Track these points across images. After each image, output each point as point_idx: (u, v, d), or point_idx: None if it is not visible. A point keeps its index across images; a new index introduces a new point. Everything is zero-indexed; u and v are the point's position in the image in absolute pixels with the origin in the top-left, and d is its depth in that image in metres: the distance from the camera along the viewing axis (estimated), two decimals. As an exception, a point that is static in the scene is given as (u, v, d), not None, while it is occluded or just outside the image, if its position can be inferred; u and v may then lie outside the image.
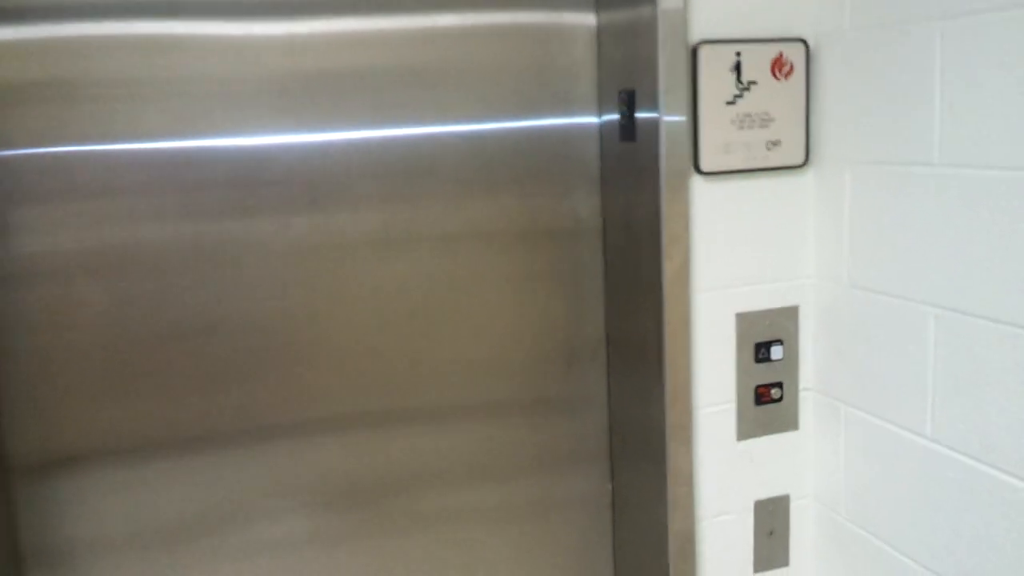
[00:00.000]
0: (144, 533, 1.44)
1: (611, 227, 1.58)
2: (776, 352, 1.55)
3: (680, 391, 1.48)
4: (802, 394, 1.59)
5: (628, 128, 1.48)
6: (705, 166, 1.42)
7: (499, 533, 1.64)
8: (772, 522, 1.60)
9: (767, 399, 1.55)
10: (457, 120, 1.50)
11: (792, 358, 1.56)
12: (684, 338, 1.46)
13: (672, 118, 1.39)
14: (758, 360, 1.54)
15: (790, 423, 1.59)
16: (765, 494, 1.59)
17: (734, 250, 1.49)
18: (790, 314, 1.55)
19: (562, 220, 1.58)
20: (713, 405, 1.53)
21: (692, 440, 1.51)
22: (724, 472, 1.55)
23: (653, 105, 1.40)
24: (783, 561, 1.62)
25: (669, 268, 1.44)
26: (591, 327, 1.62)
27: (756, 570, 1.60)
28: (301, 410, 1.49)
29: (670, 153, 1.39)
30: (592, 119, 1.57)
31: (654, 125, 1.40)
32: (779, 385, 1.56)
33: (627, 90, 1.46)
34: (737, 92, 1.42)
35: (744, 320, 1.52)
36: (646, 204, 1.46)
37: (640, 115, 1.44)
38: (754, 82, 1.42)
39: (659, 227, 1.42)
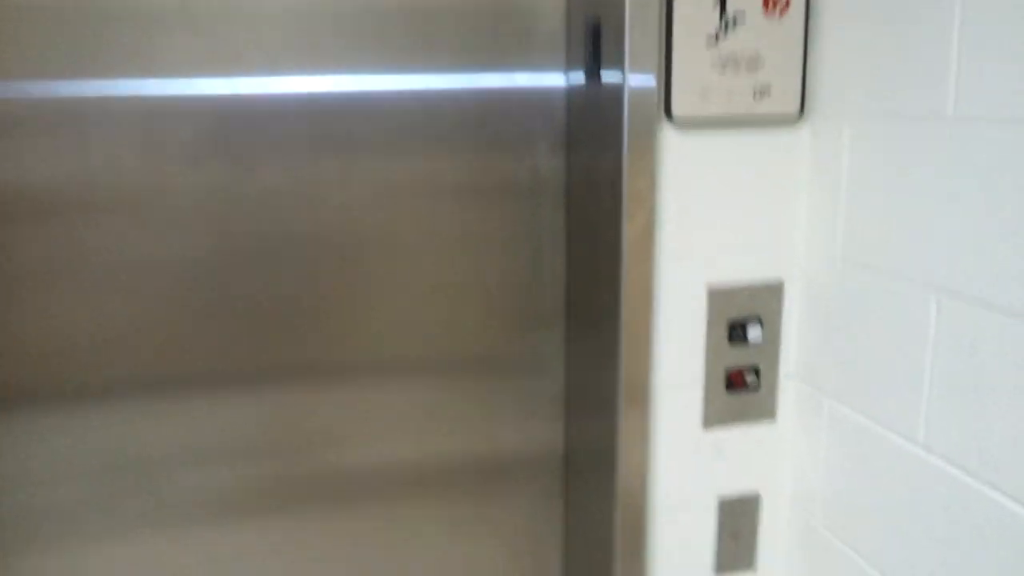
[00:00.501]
0: (42, 489, 1.28)
1: (575, 182, 1.37)
2: (754, 333, 1.34)
3: (637, 368, 1.28)
4: (782, 382, 1.39)
5: (592, 70, 1.26)
6: (678, 111, 1.21)
7: (439, 504, 1.47)
8: (738, 523, 1.42)
9: (740, 385, 1.36)
10: (405, 66, 1.30)
11: (772, 341, 1.36)
12: (644, 311, 1.26)
13: (639, 56, 1.17)
14: (732, 341, 1.34)
15: (766, 413, 1.39)
16: (732, 491, 1.40)
17: (710, 214, 1.28)
18: (772, 291, 1.34)
19: (522, 174, 1.38)
20: (677, 388, 1.33)
21: (649, 425, 1.32)
22: (686, 463, 1.36)
23: (618, 41, 1.18)
24: (747, 564, 1.44)
25: (630, 231, 1.23)
26: (550, 291, 1.43)
27: (717, 572, 1.42)
28: (233, 362, 1.32)
29: (635, 98, 1.18)
30: (558, 62, 1.35)
31: (619, 64, 1.18)
32: (755, 370, 1.36)
33: (593, 23, 1.24)
34: (720, 28, 1.19)
35: (718, 295, 1.31)
36: (609, 156, 1.25)
37: (605, 53, 1.22)
38: (741, 17, 1.20)
39: (620, 182, 1.22)
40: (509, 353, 1.43)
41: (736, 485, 1.40)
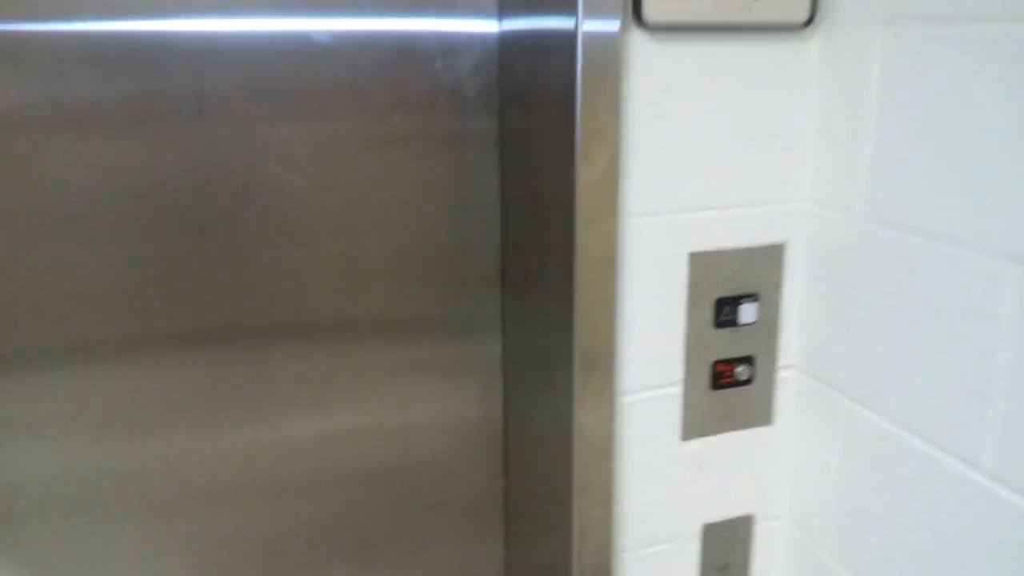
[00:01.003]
0: None
1: (517, 117, 1.04)
2: (747, 312, 1.03)
3: (595, 368, 0.96)
4: (781, 374, 1.08)
5: (534, -47, 0.92)
6: (651, 13, 0.88)
7: (367, 466, 1.14)
8: (726, 553, 1.12)
9: (729, 380, 1.05)
10: (328, 7, 0.94)
11: (770, 322, 1.05)
12: (605, 287, 0.94)
13: (599, -71, 0.84)
14: (720, 323, 1.02)
15: (761, 415, 1.08)
16: (719, 515, 1.10)
17: (691, 155, 0.96)
18: (772, 257, 1.03)
19: (456, 111, 1.04)
20: (648, 388, 1.02)
21: (612, 440, 1.00)
22: (660, 484, 1.05)
23: (569, -93, 0.84)
24: (739, 605, 1.14)
25: (586, 178, 0.91)
26: (481, 255, 1.10)
27: (700, 616, 1.12)
28: (156, 324, 0.97)
29: (592, -9, 0.85)
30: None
31: (570, -59, 0.85)
32: (748, 360, 1.05)
33: None
34: None
35: (702, 263, 1.00)
36: (557, 78, 0.91)
37: (550, -73, 0.89)
38: None
39: (572, 111, 0.89)
40: (439, 319, 1.11)
41: (724, 507, 1.09)
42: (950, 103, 0.82)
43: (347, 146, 1.02)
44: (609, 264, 0.94)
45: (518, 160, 1.03)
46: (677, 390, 1.02)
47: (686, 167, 0.96)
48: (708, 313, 1.01)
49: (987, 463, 0.80)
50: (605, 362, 0.97)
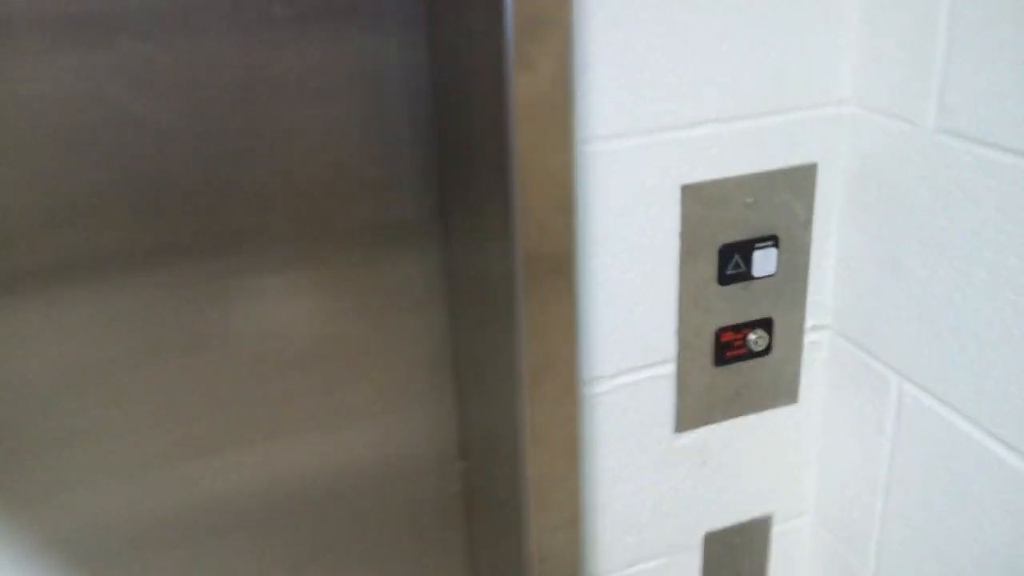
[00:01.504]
0: None
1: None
2: (764, 262, 0.75)
3: (551, 354, 0.69)
4: (810, 338, 0.81)
5: None
6: None
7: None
8: (737, 563, 0.87)
9: (740, 352, 0.78)
10: None
11: (795, 273, 0.77)
12: (559, 243, 0.66)
13: None
14: (726, 279, 0.75)
15: (782, 393, 0.82)
16: (727, 519, 0.85)
17: (679, 45, 0.66)
18: (797, 184, 0.74)
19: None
20: (628, 372, 0.75)
21: (579, 442, 0.74)
22: (648, 488, 0.80)
23: None
24: (754, 620, 0.90)
25: (525, 90, 0.61)
26: (408, 188, 0.81)
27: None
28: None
29: None
30: None
31: None
32: (765, 324, 0.78)
33: None
34: None
35: (699, 199, 0.71)
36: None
37: None
38: None
39: (499, -12, 0.59)
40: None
41: (734, 510, 0.84)
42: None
43: (261, 51, 0.72)
44: (564, 210, 0.65)
45: (448, 66, 0.73)
46: (668, 370, 0.76)
47: (672, 63, 0.66)
48: (709, 266, 0.73)
49: None
50: (565, 346, 0.70)
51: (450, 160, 0.76)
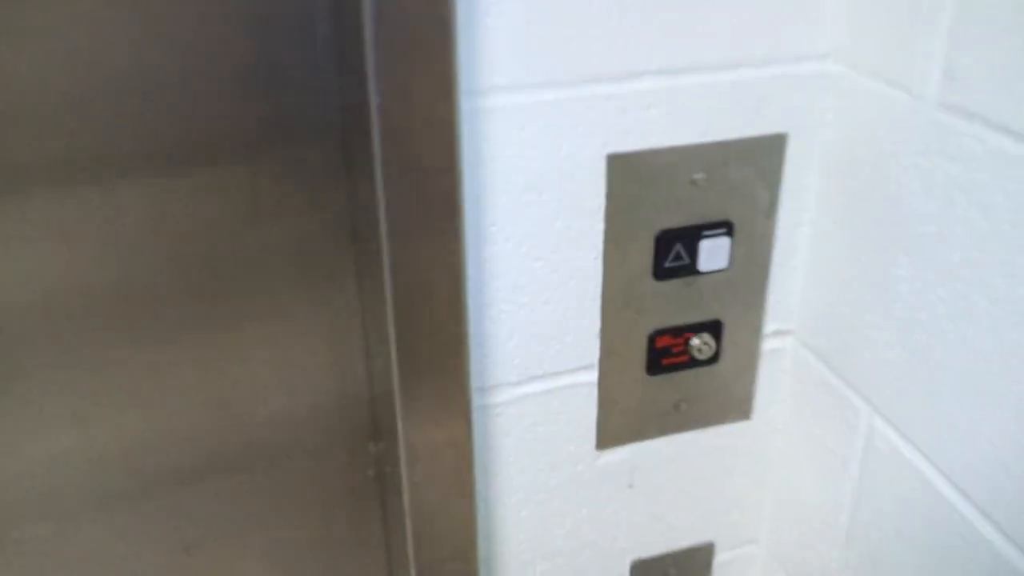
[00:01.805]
0: None
1: None
2: (713, 253, 0.60)
3: (433, 363, 0.56)
4: (769, 344, 0.66)
5: None
6: None
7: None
8: (670, 596, 0.75)
9: (680, 359, 0.63)
10: None
11: (753, 267, 0.62)
12: (440, 224, 0.52)
13: None
14: (665, 271, 0.60)
15: (732, 407, 0.68)
16: (658, 546, 0.72)
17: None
18: (761, 159, 0.58)
19: None
20: (536, 379, 0.61)
21: (471, 464, 0.61)
22: (562, 513, 0.66)
23: None
24: (688, 656, 0.78)
25: (384, 21, 0.46)
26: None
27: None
28: None
29: None
30: None
31: None
32: (713, 327, 0.63)
33: None
34: None
35: (631, 172, 0.56)
36: None
37: None
38: None
39: None
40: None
41: (669, 536, 0.71)
42: None
43: None
44: (445, 172, 0.50)
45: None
46: (589, 377, 0.62)
47: (600, -6, 0.50)
48: (643, 256, 0.58)
49: None
50: (451, 346, 0.56)
51: (345, 94, 0.60)
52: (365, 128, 0.51)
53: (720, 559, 0.74)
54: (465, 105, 0.50)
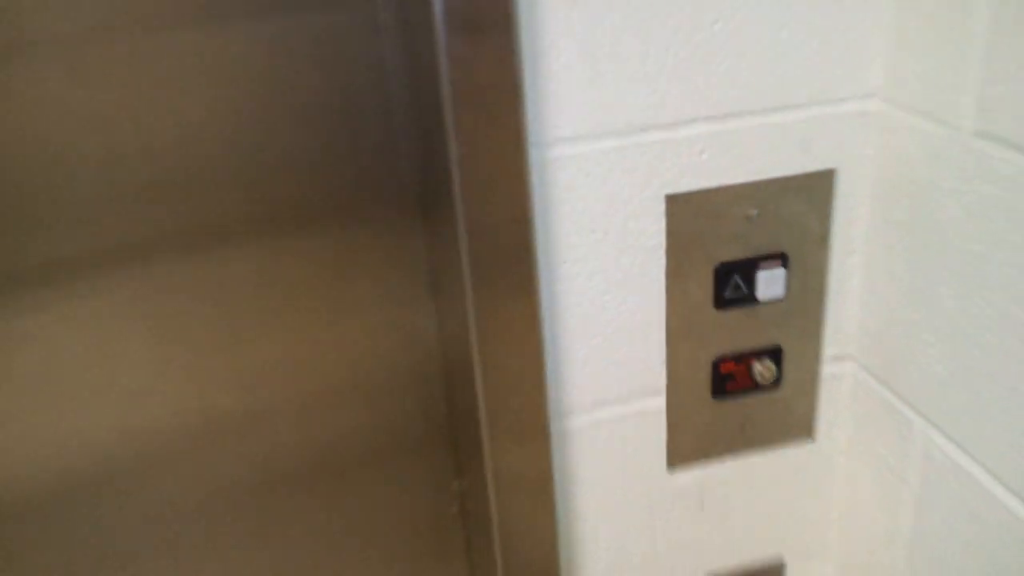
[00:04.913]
0: None
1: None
2: (770, 283, 0.62)
3: (514, 389, 0.58)
4: (829, 369, 0.67)
5: None
6: None
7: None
8: (744, 612, 0.75)
9: (743, 384, 0.65)
10: None
11: (809, 296, 0.63)
12: (516, 262, 0.55)
13: None
14: (725, 301, 0.61)
15: (795, 429, 0.68)
16: (730, 561, 0.73)
17: (663, 24, 0.53)
18: (813, 194, 0.60)
19: None
20: (607, 404, 0.63)
21: (552, 483, 0.63)
22: (638, 532, 0.68)
23: None
24: (765, 672, 0.78)
25: (461, 83, 0.50)
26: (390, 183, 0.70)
27: None
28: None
29: None
30: None
31: None
32: (773, 354, 0.64)
33: None
34: None
35: (689, 210, 0.58)
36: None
37: None
38: None
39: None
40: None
41: (740, 552, 0.71)
42: None
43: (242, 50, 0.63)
44: (520, 225, 0.54)
45: (414, 60, 0.62)
46: (658, 403, 0.63)
47: (649, 47, 0.53)
48: (703, 288, 0.60)
49: None
50: (529, 374, 0.58)
51: (424, 157, 0.65)
52: (444, 186, 0.55)
53: (791, 575, 0.74)
54: (534, 156, 0.54)
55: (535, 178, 0.54)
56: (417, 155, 0.62)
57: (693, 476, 0.67)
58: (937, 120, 0.51)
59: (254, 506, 0.71)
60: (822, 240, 0.60)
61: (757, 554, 0.72)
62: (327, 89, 0.61)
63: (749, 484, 0.68)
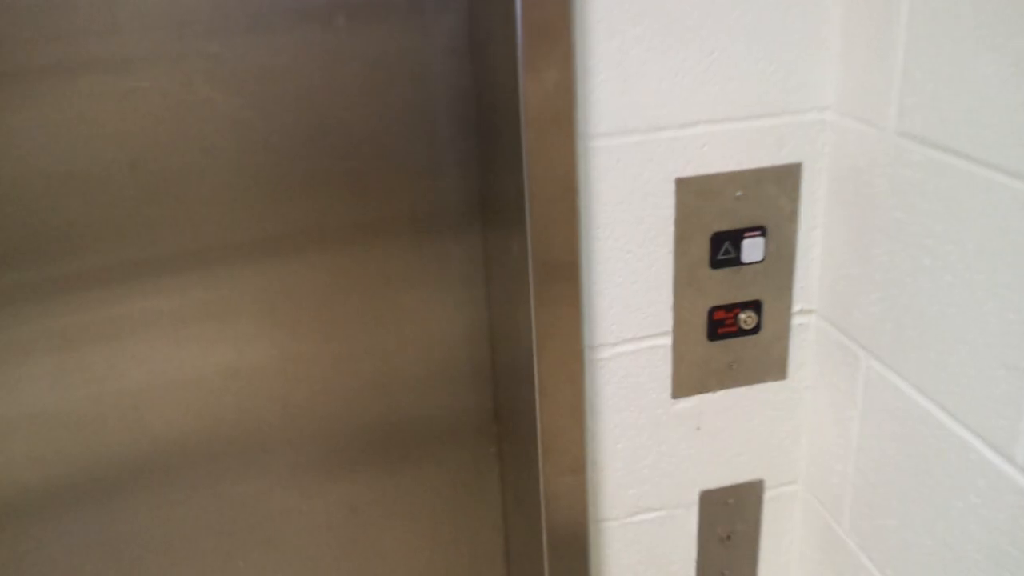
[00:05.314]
0: None
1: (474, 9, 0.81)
2: (752, 249, 0.80)
3: (557, 322, 0.77)
4: (797, 320, 0.85)
5: None
6: None
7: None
8: (731, 522, 0.92)
9: (731, 329, 0.83)
10: None
11: (782, 260, 0.82)
12: (565, 224, 0.73)
13: None
14: (718, 263, 0.80)
15: (772, 369, 0.86)
16: (721, 480, 0.90)
17: (674, 52, 0.72)
18: (784, 181, 0.79)
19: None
20: (628, 341, 0.81)
21: (584, 401, 0.81)
22: (648, 447, 0.85)
23: None
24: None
25: (533, 91, 0.69)
26: (456, 179, 0.90)
27: (703, 585, 0.93)
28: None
29: None
30: None
31: None
32: (754, 306, 0.83)
33: None
34: None
35: (692, 191, 0.77)
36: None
37: None
38: None
39: (513, 7, 0.67)
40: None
41: (728, 472, 0.89)
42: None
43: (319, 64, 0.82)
44: (568, 196, 0.72)
45: (480, 70, 0.81)
46: (665, 341, 0.82)
47: (666, 70, 0.72)
48: (702, 251, 0.79)
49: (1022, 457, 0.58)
50: (569, 314, 0.77)
51: (485, 155, 0.84)
52: (516, 180, 0.73)
53: (769, 495, 0.91)
54: (580, 146, 0.73)
55: (580, 161, 0.73)
56: (483, 165, 0.81)
57: (692, 404, 0.84)
58: (871, 124, 0.70)
59: (341, 476, 0.89)
60: (792, 216, 0.79)
61: (743, 475, 0.89)
62: (406, 107, 0.80)
63: (737, 413, 0.86)
